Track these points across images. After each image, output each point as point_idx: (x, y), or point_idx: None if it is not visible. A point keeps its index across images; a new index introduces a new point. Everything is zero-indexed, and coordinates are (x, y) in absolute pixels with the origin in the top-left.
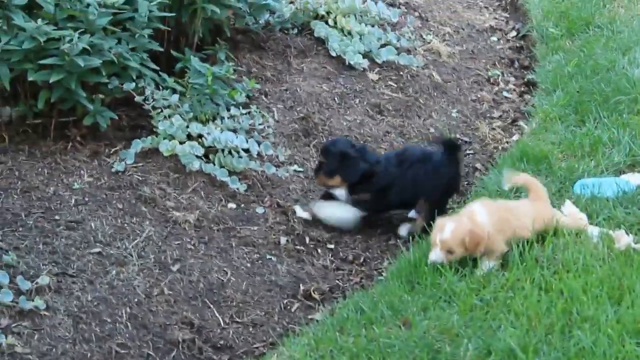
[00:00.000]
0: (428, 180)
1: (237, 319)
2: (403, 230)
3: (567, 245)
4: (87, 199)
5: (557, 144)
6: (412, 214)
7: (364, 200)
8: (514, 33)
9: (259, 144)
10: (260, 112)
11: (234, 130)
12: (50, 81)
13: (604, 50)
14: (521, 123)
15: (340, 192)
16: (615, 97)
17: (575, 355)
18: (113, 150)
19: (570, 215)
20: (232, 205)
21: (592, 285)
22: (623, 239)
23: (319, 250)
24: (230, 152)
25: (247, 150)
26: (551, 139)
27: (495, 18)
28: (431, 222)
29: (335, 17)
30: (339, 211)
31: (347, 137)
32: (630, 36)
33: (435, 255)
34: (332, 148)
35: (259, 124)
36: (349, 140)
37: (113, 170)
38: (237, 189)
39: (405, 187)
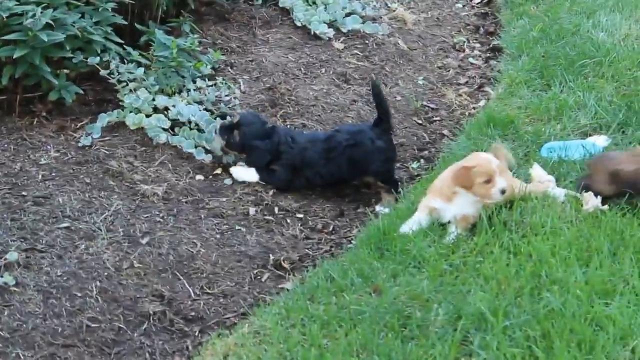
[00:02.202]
0: (361, 161)
1: (208, 290)
2: (379, 208)
3: (535, 209)
4: (54, 174)
5: (524, 108)
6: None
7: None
8: None
9: (224, 117)
10: (226, 83)
11: (200, 102)
12: (14, 57)
13: (568, 14)
14: (487, 89)
15: None
16: (581, 61)
17: (544, 317)
18: (79, 124)
19: (538, 177)
20: (200, 177)
21: (560, 248)
22: (591, 200)
23: (288, 220)
24: (196, 124)
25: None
26: (517, 104)
27: None
28: (394, 191)
29: None
30: (248, 174)
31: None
32: (594, 0)
33: (503, 181)
34: (246, 129)
35: (226, 96)
36: (259, 118)
37: (80, 144)
38: (204, 160)
39: (330, 171)
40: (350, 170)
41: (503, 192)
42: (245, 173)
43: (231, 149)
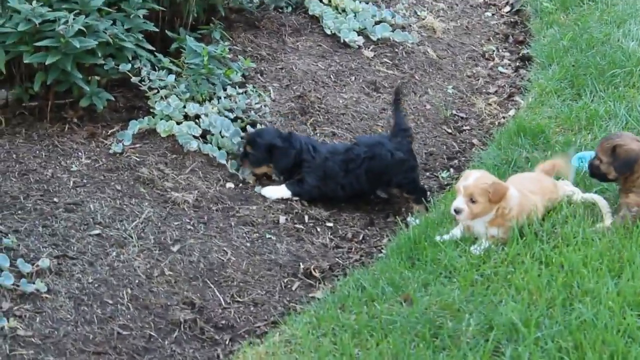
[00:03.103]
0: (381, 174)
1: (238, 299)
2: (410, 219)
3: (566, 219)
4: (85, 181)
5: (554, 117)
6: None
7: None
8: (507, 8)
9: (254, 125)
10: (256, 91)
11: (231, 110)
12: (46, 63)
13: (598, 23)
14: (517, 98)
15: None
16: (611, 70)
17: (576, 328)
18: (110, 131)
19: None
20: (230, 185)
21: (592, 259)
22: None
23: (318, 229)
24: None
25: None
26: (547, 113)
27: None
28: (423, 199)
29: None
30: (280, 191)
31: (274, 127)
32: (624, 9)
33: (458, 202)
34: (259, 139)
35: (256, 104)
36: (276, 130)
37: (111, 151)
38: (236, 170)
39: (350, 183)
40: (371, 183)
41: (455, 211)
42: (276, 191)
43: (254, 164)
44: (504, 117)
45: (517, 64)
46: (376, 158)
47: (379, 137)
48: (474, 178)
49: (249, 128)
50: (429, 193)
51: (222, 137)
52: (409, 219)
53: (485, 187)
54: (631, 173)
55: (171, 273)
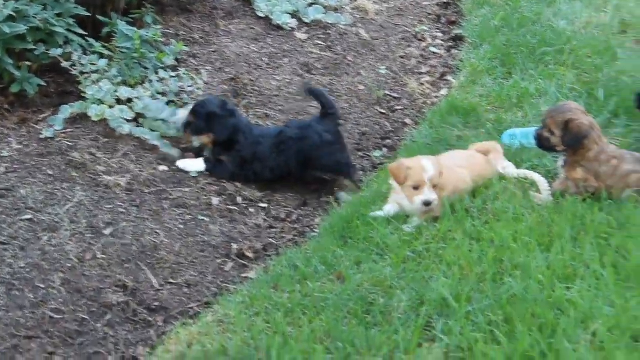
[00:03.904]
0: (312, 156)
1: (171, 280)
2: (341, 196)
3: (497, 195)
4: (16, 166)
5: (485, 96)
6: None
7: (225, 164)
8: None
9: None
10: (189, 74)
11: (163, 93)
12: None
13: (529, 2)
14: (449, 77)
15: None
16: (542, 49)
17: (507, 301)
18: (42, 116)
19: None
20: (163, 167)
21: (522, 233)
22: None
23: (252, 210)
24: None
25: None
26: (479, 92)
27: None
28: (354, 180)
29: None
30: (195, 165)
31: (222, 98)
32: None
33: (429, 194)
34: (200, 108)
35: (189, 86)
36: (223, 100)
37: (42, 136)
38: (169, 152)
39: (279, 165)
40: (300, 165)
41: (426, 204)
42: (191, 164)
43: (194, 134)
44: (436, 97)
45: (450, 44)
46: (306, 140)
47: (309, 120)
48: (434, 168)
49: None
50: (361, 173)
51: (155, 120)
52: (338, 194)
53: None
54: (581, 147)
55: (104, 256)
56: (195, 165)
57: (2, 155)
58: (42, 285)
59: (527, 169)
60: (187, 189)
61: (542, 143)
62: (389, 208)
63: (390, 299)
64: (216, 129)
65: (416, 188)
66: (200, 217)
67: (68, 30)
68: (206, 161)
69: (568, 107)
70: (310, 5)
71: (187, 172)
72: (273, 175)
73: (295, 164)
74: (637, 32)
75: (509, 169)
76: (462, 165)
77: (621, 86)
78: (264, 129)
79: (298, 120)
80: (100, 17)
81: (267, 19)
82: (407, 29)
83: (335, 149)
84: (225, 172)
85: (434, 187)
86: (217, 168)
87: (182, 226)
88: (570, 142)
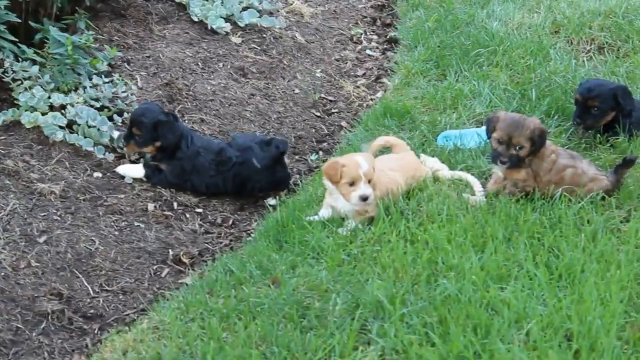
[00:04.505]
0: (250, 180)
1: (107, 288)
2: (272, 201)
3: (431, 197)
4: None
5: (420, 98)
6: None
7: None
8: None
9: (121, 113)
10: (123, 80)
11: (97, 99)
12: None
13: (463, 4)
14: (384, 80)
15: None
16: (475, 50)
17: (441, 303)
18: None
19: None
20: (98, 174)
21: (456, 235)
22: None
23: (188, 215)
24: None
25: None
26: (414, 94)
27: None
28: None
29: None
30: (134, 170)
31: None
32: None
33: (365, 188)
34: (143, 119)
35: (122, 92)
36: (158, 104)
37: None
38: (104, 157)
39: (216, 184)
40: (236, 187)
41: (363, 199)
42: (131, 169)
43: (141, 146)
44: (371, 99)
45: (385, 46)
46: (245, 164)
47: (251, 139)
48: (368, 163)
49: (115, 117)
50: (297, 176)
51: (89, 127)
52: (273, 201)
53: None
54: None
55: (38, 264)
56: (134, 171)
57: None
58: None
59: (462, 170)
60: (122, 196)
61: (513, 161)
62: (323, 212)
63: (326, 303)
64: (163, 135)
65: (352, 184)
66: (136, 224)
67: None
68: (145, 166)
69: (523, 118)
70: (245, 9)
71: (123, 178)
72: (208, 191)
73: (232, 186)
74: (569, 33)
75: (443, 170)
76: (394, 168)
77: (553, 86)
78: (205, 140)
79: (241, 137)
80: (32, 23)
81: (201, 24)
82: (343, 31)
83: (274, 170)
84: (163, 181)
85: (369, 182)
86: (156, 176)
87: (117, 233)
88: (539, 148)
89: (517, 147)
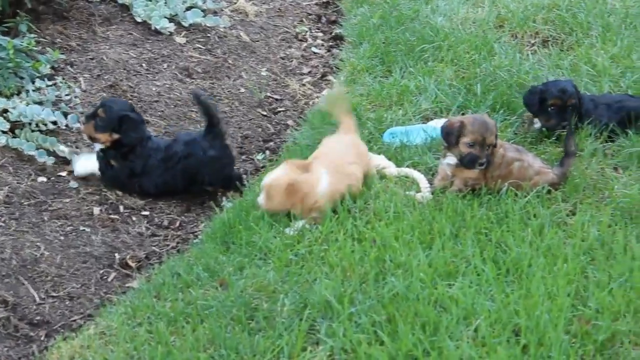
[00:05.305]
0: (197, 172)
1: (53, 294)
2: (224, 202)
3: (378, 195)
4: None
5: (366, 95)
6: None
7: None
8: None
9: (65, 115)
10: (66, 82)
11: (40, 103)
12: None
13: (407, 0)
14: (330, 77)
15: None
16: (420, 46)
17: (389, 301)
18: None
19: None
20: (42, 179)
21: (403, 232)
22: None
23: (134, 218)
24: (37, 125)
25: (55, 123)
26: (359, 91)
27: None
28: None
29: None
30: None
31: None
32: None
33: (259, 197)
34: (113, 105)
35: (66, 95)
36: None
37: None
38: (46, 162)
39: (165, 182)
40: (186, 181)
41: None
42: (85, 163)
43: (99, 130)
44: (317, 97)
45: (330, 43)
46: (191, 157)
47: (195, 134)
48: (272, 177)
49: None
50: (244, 176)
51: (33, 129)
52: (223, 202)
53: (279, 186)
54: None
55: None
56: (88, 165)
57: None
58: None
59: (408, 166)
60: (67, 200)
61: (490, 161)
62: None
63: (274, 304)
64: (125, 132)
65: None
66: (82, 228)
67: None
68: (98, 159)
69: (485, 118)
70: (189, 8)
71: (68, 182)
72: (157, 190)
73: (181, 181)
74: (513, 27)
75: (389, 168)
76: (353, 160)
77: (498, 80)
78: (154, 141)
79: (185, 133)
80: None
81: (145, 24)
82: (288, 29)
83: (221, 164)
84: (115, 180)
85: (267, 194)
86: (108, 172)
87: (63, 238)
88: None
89: (489, 147)
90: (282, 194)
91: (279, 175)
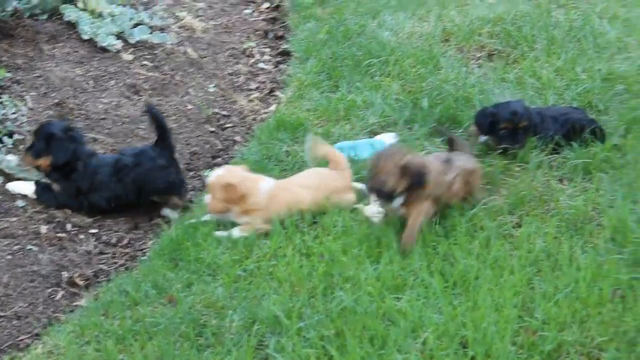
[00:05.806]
0: (148, 181)
1: (0, 313)
2: (167, 212)
3: (326, 210)
4: None
5: (313, 110)
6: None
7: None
8: (267, 4)
9: (11, 135)
10: (12, 101)
11: None
12: None
13: (354, 15)
14: (278, 93)
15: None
16: (367, 61)
17: (337, 315)
18: None
19: None
20: None
21: (351, 246)
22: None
23: (82, 236)
24: None
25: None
26: (307, 106)
27: None
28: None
29: (85, 0)
30: (24, 187)
31: (70, 124)
32: (378, 0)
33: (206, 197)
34: (41, 129)
35: (12, 114)
36: (69, 126)
37: None
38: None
39: (117, 195)
40: (137, 192)
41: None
42: (20, 186)
43: (35, 157)
44: (265, 113)
45: (277, 59)
46: (140, 166)
47: (142, 147)
48: (215, 175)
49: (5, 139)
50: (192, 193)
51: None
52: (165, 210)
53: (219, 184)
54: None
55: None
56: (24, 188)
57: None
58: None
59: (356, 181)
60: (14, 219)
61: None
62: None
63: (223, 320)
64: (54, 152)
65: None
66: (29, 247)
67: None
68: (36, 184)
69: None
70: (136, 25)
71: (15, 201)
72: (109, 204)
73: (132, 191)
74: (459, 40)
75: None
76: (305, 185)
77: (444, 94)
78: (100, 158)
79: (131, 147)
80: None
81: (91, 42)
82: (235, 45)
83: (168, 171)
84: (51, 201)
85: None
86: (44, 195)
87: (10, 257)
88: (416, 183)
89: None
90: (221, 192)
91: (221, 173)
